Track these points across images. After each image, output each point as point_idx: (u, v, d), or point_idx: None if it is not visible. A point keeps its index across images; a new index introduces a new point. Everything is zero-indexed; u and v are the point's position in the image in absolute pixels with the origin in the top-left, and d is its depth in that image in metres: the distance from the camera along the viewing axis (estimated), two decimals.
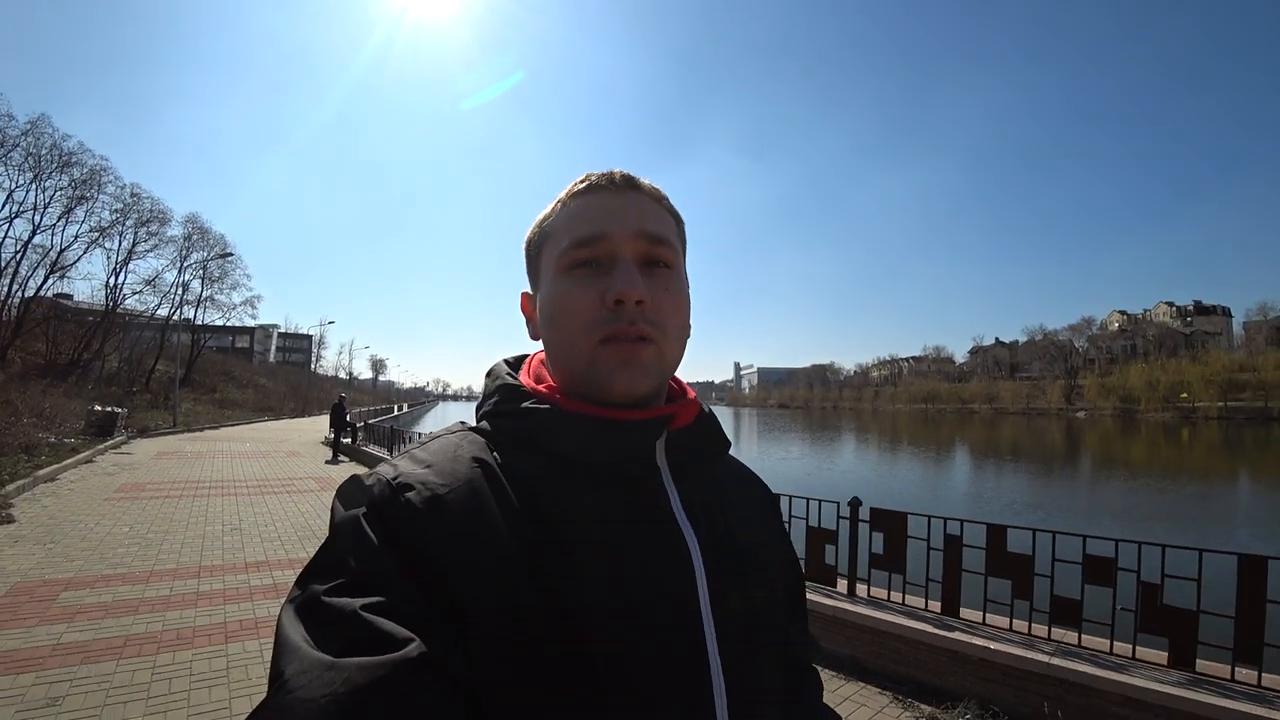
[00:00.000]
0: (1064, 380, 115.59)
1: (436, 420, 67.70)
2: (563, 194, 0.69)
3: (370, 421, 22.56)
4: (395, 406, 54.90)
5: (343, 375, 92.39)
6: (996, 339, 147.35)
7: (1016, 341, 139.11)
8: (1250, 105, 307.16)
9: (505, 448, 0.63)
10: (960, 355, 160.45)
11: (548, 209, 0.71)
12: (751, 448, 37.93)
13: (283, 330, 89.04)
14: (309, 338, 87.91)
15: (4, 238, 26.68)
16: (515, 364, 0.75)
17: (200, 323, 40.82)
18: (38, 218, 27.55)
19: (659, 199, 0.69)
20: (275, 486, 11.39)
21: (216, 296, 39.68)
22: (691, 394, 0.73)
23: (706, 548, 0.64)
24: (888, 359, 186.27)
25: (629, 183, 0.68)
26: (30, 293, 28.38)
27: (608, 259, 0.64)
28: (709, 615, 0.60)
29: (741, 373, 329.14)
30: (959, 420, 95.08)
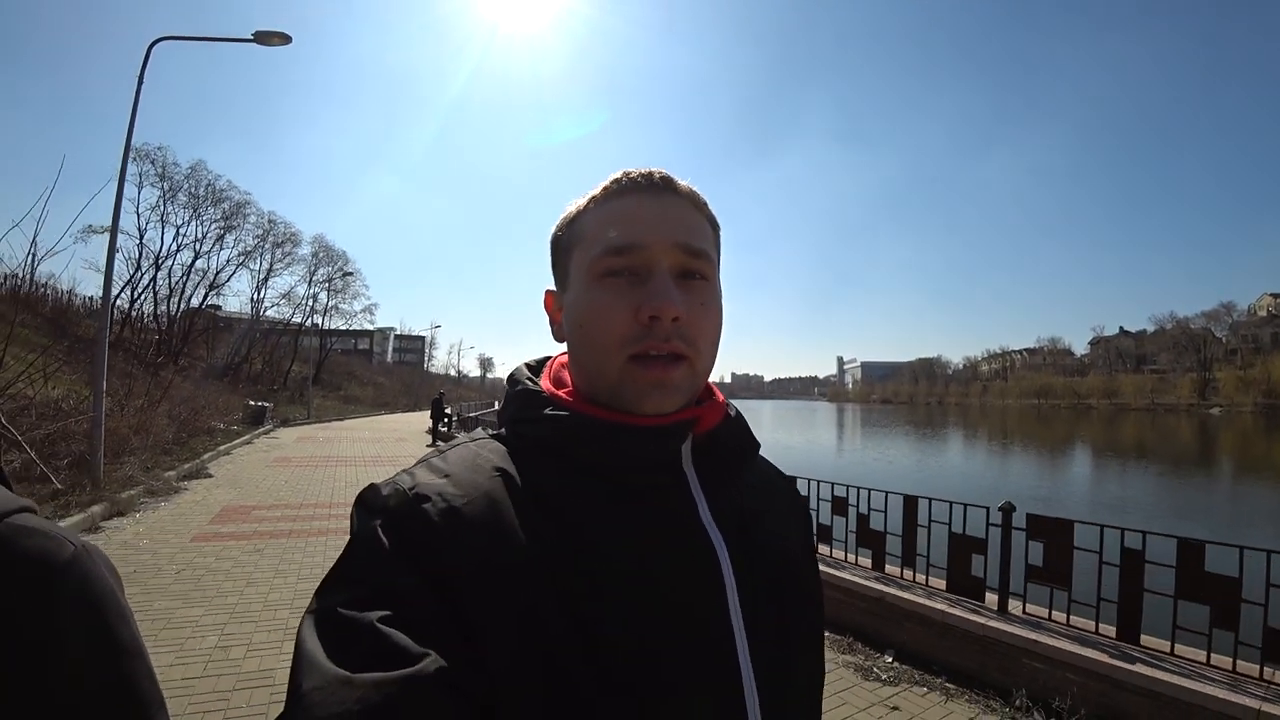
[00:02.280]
0: (1195, 373, 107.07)
1: None
2: (596, 191, 0.66)
3: (466, 415, 26.14)
4: (496, 402, 60.02)
5: (453, 373, 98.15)
6: (1121, 328, 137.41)
7: (1144, 331, 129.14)
8: None
9: (526, 456, 0.61)
10: (1080, 347, 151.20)
11: (578, 204, 0.67)
12: (853, 444, 40.79)
13: (398, 333, 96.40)
14: (422, 339, 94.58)
15: (173, 264, 32.41)
16: (537, 367, 0.72)
17: (327, 328, 46.55)
18: (199, 246, 33.28)
19: (698, 204, 0.66)
20: (384, 461, 14.85)
21: (340, 305, 45.21)
22: (720, 396, 0.70)
23: (736, 555, 0.62)
24: (998, 351, 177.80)
25: (667, 185, 0.64)
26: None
27: (643, 269, 0.61)
28: (740, 625, 0.59)
29: (845, 367, 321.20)
30: (1074, 417, 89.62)
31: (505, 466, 0.60)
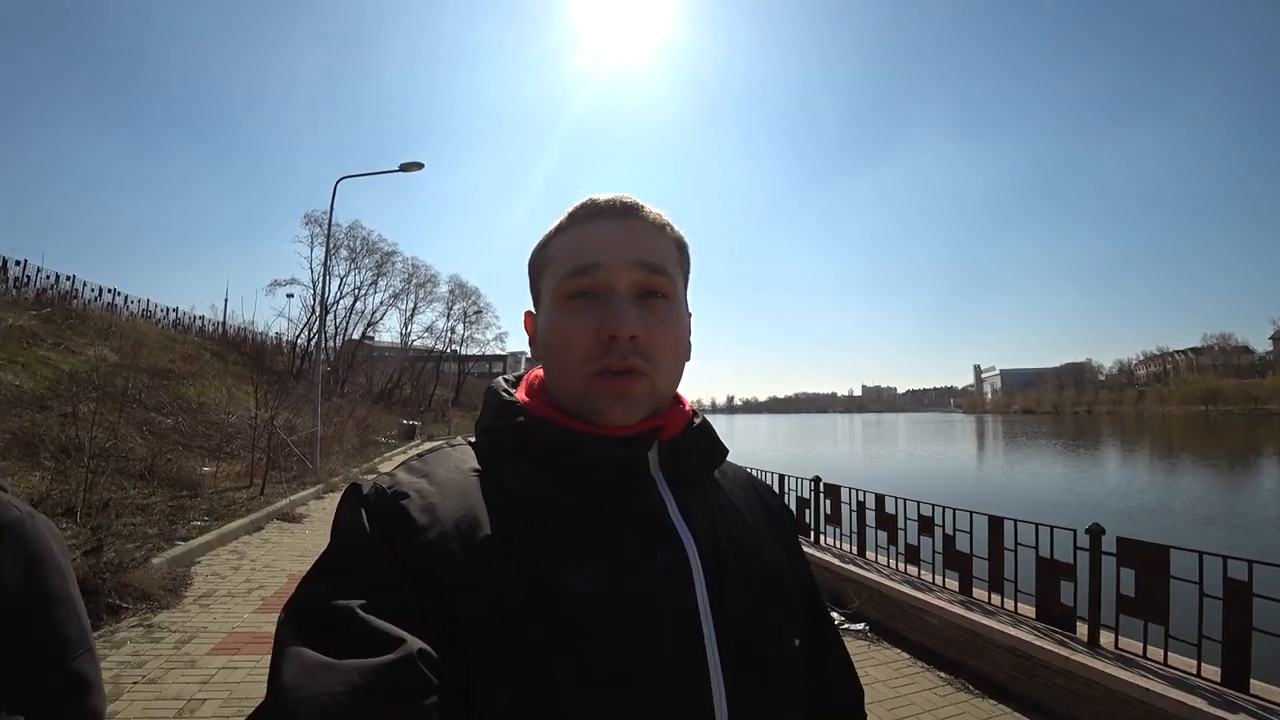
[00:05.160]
0: None
1: None
2: (564, 217, 0.70)
3: None
4: None
5: None
6: None
7: None
8: None
9: (498, 459, 0.65)
10: (1259, 343, 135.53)
11: (550, 230, 0.71)
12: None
13: (528, 356, 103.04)
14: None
15: (338, 308, 39.13)
16: (516, 381, 0.75)
17: (464, 355, 52.90)
18: (357, 291, 39.89)
19: (661, 226, 0.69)
20: None
21: (475, 335, 51.37)
22: (686, 405, 0.74)
23: (707, 552, 0.64)
24: (1156, 353, 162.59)
25: (630, 209, 0.68)
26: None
27: (604, 290, 0.64)
28: (709, 619, 0.60)
29: (982, 375, 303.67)
30: (1251, 425, 77.51)
31: (479, 468, 0.64)
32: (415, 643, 0.49)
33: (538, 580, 0.56)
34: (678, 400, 0.73)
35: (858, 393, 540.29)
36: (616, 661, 0.55)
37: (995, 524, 4.75)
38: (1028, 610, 4.49)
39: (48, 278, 18.35)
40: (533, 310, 0.74)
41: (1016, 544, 4.60)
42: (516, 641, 0.53)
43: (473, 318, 50.67)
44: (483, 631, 0.53)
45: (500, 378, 0.76)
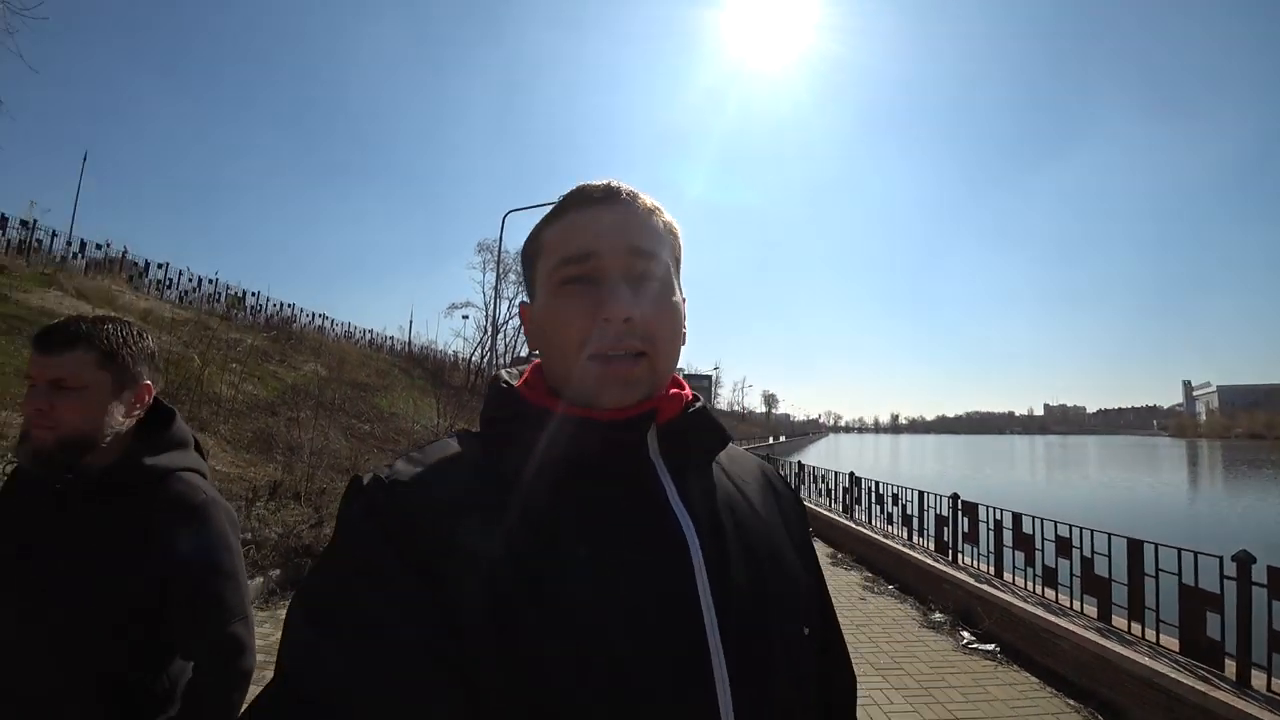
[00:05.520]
0: None
1: (819, 453, 64.65)
2: (556, 205, 0.70)
3: None
4: (771, 437, 65.37)
5: (737, 409, 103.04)
6: None
7: None
8: None
9: (498, 448, 0.66)
10: None
11: (542, 218, 0.71)
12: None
13: (686, 373, 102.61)
14: (708, 378, 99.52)
15: (508, 327, 42.42)
16: (522, 372, 0.76)
17: None
18: None
19: (653, 210, 0.70)
20: None
21: None
22: (686, 389, 0.73)
23: (707, 538, 0.64)
24: None
25: (620, 196, 0.68)
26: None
27: (596, 275, 0.65)
28: (710, 604, 0.60)
29: (1195, 393, 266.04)
30: None
31: (477, 458, 0.65)
32: (419, 632, 0.51)
33: (535, 566, 0.57)
34: (675, 384, 0.73)
35: (1039, 412, 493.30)
36: (613, 646, 0.55)
37: (1134, 547, 4.52)
38: (1171, 643, 4.21)
39: (274, 305, 22.06)
40: (527, 301, 0.75)
41: (1158, 570, 4.37)
42: (514, 628, 0.54)
43: None
44: (481, 618, 0.54)
45: (503, 369, 0.76)
